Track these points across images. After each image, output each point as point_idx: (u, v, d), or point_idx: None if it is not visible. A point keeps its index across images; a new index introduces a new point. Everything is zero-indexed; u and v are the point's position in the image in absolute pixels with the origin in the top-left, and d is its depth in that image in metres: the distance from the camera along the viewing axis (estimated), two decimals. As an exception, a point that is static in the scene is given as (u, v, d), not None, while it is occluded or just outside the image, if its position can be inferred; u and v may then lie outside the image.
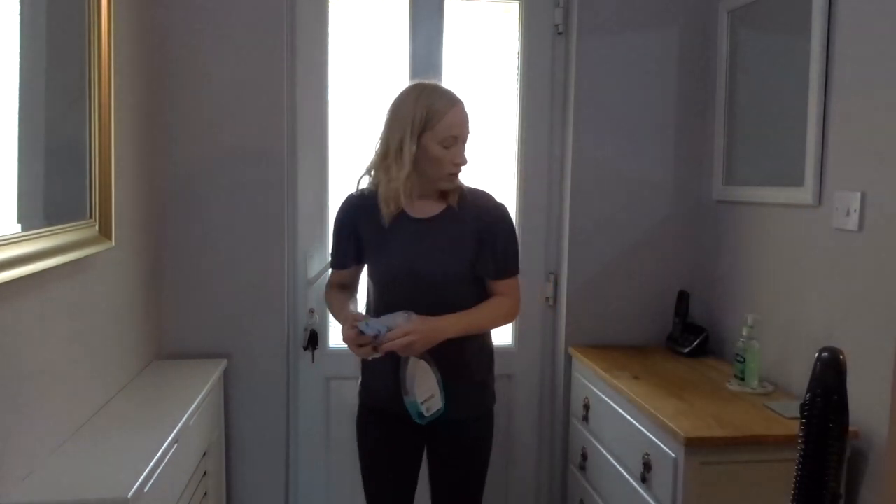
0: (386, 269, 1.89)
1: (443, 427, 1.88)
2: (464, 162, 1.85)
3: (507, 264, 1.91)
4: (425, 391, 1.79)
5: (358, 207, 1.91)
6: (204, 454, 2.06)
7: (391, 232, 1.86)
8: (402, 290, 1.85)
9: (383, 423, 1.93)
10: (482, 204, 1.91)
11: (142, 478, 1.41)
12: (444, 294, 1.85)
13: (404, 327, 1.73)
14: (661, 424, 1.84)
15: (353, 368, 2.07)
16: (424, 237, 1.86)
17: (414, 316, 1.76)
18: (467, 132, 1.85)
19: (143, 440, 1.60)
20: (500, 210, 1.93)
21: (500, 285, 1.91)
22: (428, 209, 1.88)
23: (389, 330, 1.72)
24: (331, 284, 2.03)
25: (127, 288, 2.05)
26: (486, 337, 1.97)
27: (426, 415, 1.79)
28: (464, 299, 1.87)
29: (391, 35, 2.53)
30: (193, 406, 1.88)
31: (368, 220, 1.88)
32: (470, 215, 1.88)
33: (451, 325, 1.80)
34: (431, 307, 1.80)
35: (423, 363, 1.79)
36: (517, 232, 1.96)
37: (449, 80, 2.53)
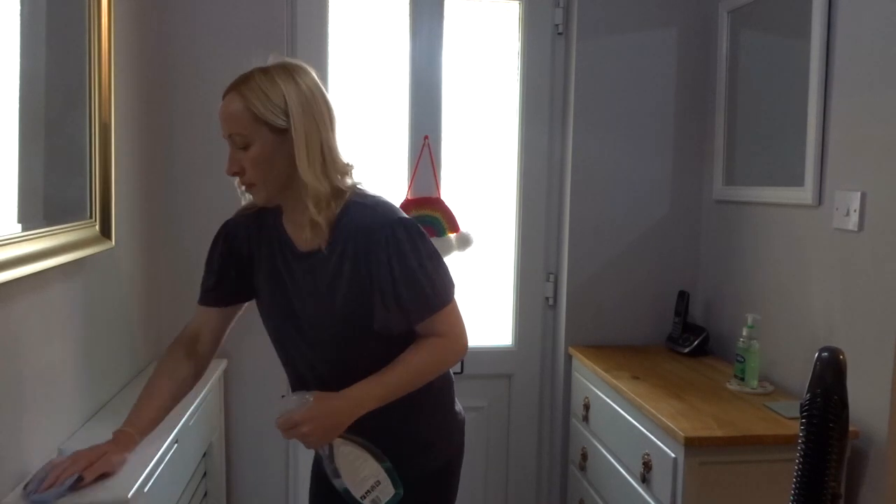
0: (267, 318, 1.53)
1: None
2: (229, 171, 1.38)
3: (417, 301, 1.38)
4: (364, 482, 1.41)
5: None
6: (204, 454, 2.06)
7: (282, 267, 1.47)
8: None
9: None
10: (357, 224, 1.39)
11: (142, 478, 1.41)
12: (343, 355, 1.45)
13: (295, 415, 1.35)
14: (661, 424, 1.84)
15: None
16: (306, 277, 1.44)
17: (309, 398, 1.37)
18: (229, 131, 1.36)
19: (143, 440, 1.60)
20: (383, 228, 1.37)
21: (422, 325, 1.41)
22: (307, 240, 1.41)
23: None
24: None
25: (127, 288, 2.05)
26: (423, 391, 1.47)
27: None
28: (373, 355, 1.41)
29: (391, 35, 2.53)
30: (193, 406, 1.87)
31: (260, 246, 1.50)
32: (350, 245, 1.39)
33: (361, 399, 1.37)
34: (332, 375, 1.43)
35: (347, 449, 1.42)
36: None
37: (449, 80, 2.54)
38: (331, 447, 1.43)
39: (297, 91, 1.34)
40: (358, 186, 1.45)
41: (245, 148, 1.35)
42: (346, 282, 1.39)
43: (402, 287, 1.36)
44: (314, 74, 1.42)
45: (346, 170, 1.42)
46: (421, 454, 1.54)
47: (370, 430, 1.43)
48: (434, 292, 1.39)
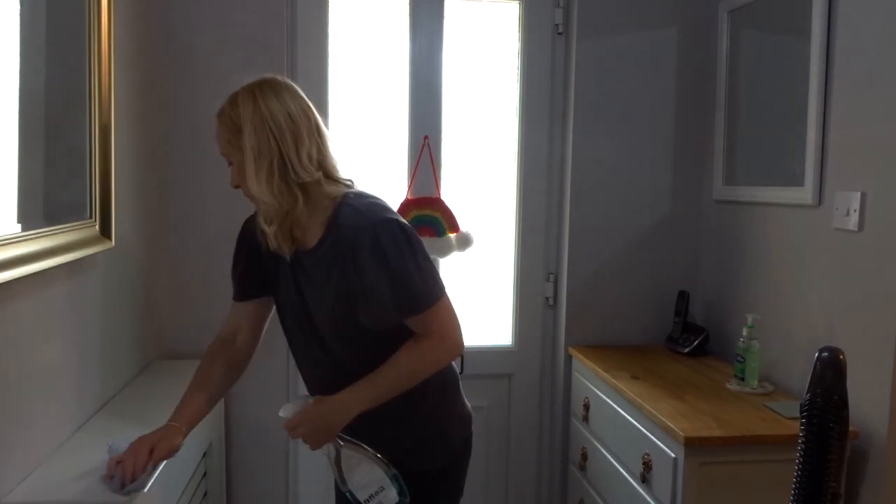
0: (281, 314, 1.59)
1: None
2: (231, 183, 1.48)
3: (402, 298, 1.40)
4: (367, 487, 1.44)
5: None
6: (204, 454, 2.06)
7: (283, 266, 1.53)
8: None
9: None
10: (344, 225, 1.42)
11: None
12: (339, 355, 1.50)
13: (293, 418, 1.43)
14: (661, 424, 1.84)
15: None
16: (307, 276, 1.49)
17: (310, 400, 1.46)
18: (221, 150, 1.46)
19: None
20: (366, 228, 1.39)
21: (413, 324, 1.44)
22: (309, 239, 1.48)
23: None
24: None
25: (127, 288, 2.05)
26: (422, 388, 1.49)
27: None
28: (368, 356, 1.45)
29: (391, 35, 2.53)
30: (193, 406, 1.87)
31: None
32: (339, 245, 1.43)
33: (351, 401, 1.42)
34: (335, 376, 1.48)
35: (352, 453, 1.45)
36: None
37: (449, 80, 2.54)
38: (337, 452, 1.45)
39: (251, 112, 1.39)
40: (351, 190, 1.48)
41: (230, 164, 1.46)
42: (336, 281, 1.42)
43: (384, 287, 1.39)
44: (290, 90, 1.45)
45: (311, 178, 1.41)
46: (421, 453, 1.56)
47: (368, 433, 1.47)
48: (418, 292, 1.41)
